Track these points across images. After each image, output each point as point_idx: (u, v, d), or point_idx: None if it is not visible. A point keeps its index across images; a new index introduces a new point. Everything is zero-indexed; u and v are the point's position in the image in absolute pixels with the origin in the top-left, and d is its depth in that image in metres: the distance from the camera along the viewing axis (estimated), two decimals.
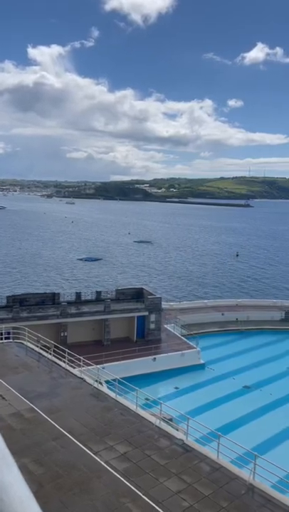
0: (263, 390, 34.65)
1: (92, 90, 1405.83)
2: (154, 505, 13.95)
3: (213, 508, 14.07)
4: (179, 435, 18.64)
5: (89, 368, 25.27)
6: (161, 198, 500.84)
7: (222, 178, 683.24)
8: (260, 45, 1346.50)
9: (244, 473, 16.06)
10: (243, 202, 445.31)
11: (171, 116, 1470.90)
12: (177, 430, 20.00)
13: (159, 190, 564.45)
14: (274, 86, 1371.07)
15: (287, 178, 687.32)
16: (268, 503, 14.60)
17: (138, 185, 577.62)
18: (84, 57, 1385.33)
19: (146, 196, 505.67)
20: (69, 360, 25.65)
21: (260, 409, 31.62)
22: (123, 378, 23.58)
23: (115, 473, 15.55)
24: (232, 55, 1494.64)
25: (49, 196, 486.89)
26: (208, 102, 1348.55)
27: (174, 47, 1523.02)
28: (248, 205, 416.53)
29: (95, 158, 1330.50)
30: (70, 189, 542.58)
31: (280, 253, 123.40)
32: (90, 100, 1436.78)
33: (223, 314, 50.30)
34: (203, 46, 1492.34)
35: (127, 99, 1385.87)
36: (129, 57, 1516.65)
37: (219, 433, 17.38)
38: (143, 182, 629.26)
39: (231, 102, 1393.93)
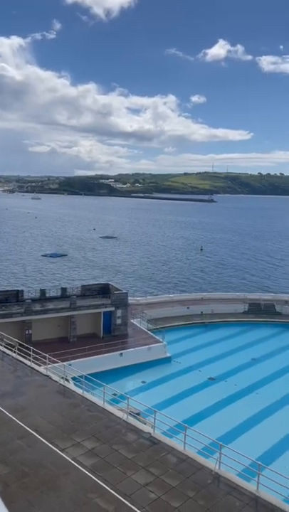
0: (228, 381, 35.42)
1: (54, 83, 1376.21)
2: (121, 498, 14.04)
3: (180, 498, 14.31)
4: (147, 428, 18.79)
5: (55, 365, 25.00)
6: (126, 193, 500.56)
7: (186, 174, 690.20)
8: (221, 42, 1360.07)
9: (210, 463, 16.40)
10: (206, 197, 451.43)
11: (135, 111, 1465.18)
12: (144, 424, 20.16)
13: (124, 186, 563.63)
14: (235, 83, 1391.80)
15: (249, 173, 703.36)
16: (233, 491, 14.99)
17: (103, 180, 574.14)
18: (45, 49, 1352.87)
19: (111, 191, 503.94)
20: (34, 358, 25.28)
21: (225, 399, 32.32)
22: (90, 374, 23.49)
23: (83, 470, 15.51)
24: (194, 51, 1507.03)
25: (11, 191, 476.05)
26: (171, 98, 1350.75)
27: (137, 41, 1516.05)
28: (211, 200, 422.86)
29: (59, 153, 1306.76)
30: (33, 184, 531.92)
31: (243, 247, 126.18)
32: (52, 93, 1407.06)
33: (188, 308, 50.99)
34: (166, 41, 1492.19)
35: (90, 93, 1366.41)
36: (92, 51, 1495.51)
37: (186, 425, 17.65)
38: (108, 177, 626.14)
39: (194, 98, 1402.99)
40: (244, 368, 38.44)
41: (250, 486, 15.33)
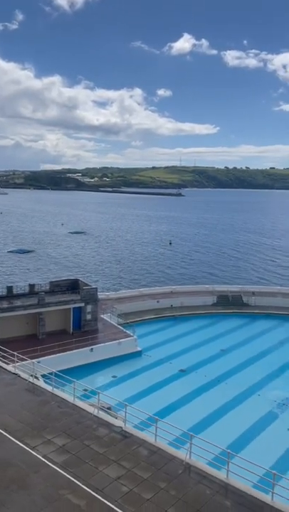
0: (198, 372, 35.93)
1: (17, 75, 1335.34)
2: (93, 493, 14.04)
3: (152, 490, 14.45)
4: (118, 423, 18.84)
5: (24, 363, 24.63)
6: (94, 188, 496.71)
7: (154, 168, 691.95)
8: (186, 36, 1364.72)
9: (181, 454, 16.63)
10: (174, 191, 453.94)
11: (101, 104, 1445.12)
12: (116, 418, 20.20)
13: (92, 180, 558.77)
14: (201, 77, 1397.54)
15: (216, 167, 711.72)
16: (204, 480, 15.27)
17: (70, 175, 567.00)
18: (7, 40, 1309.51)
19: (79, 186, 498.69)
20: (2, 357, 24.84)
21: (195, 390, 32.77)
22: (60, 371, 23.31)
23: (54, 466, 15.41)
24: (159, 45, 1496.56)
25: None
26: (137, 91, 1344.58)
27: (102, 34, 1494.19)
28: (179, 194, 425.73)
29: (24, 147, 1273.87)
30: None
31: (210, 240, 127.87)
32: (15, 86, 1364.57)
33: (158, 301, 51.27)
34: (131, 34, 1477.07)
35: (55, 86, 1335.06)
36: (56, 43, 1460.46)
37: (156, 417, 17.81)
38: (75, 171, 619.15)
39: (160, 92, 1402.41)
40: (214, 359, 39.07)
41: (221, 474, 15.66)
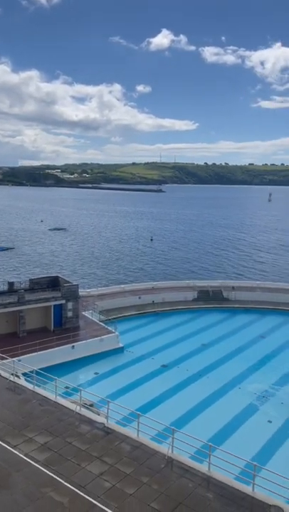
0: (180, 367, 36.18)
1: None
2: (76, 490, 14.03)
3: (134, 484, 14.52)
4: (100, 419, 18.83)
5: (4, 361, 24.36)
6: (74, 184, 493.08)
7: (134, 164, 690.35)
8: (164, 32, 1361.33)
9: (163, 448, 16.75)
10: (155, 187, 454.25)
11: (80, 99, 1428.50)
12: (98, 415, 20.18)
13: (72, 176, 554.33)
14: (180, 73, 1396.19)
15: (195, 163, 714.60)
16: (186, 473, 15.42)
17: (49, 171, 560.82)
18: None
19: (58, 182, 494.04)
20: None
21: (177, 385, 33.00)
22: (42, 369, 23.12)
23: (36, 465, 15.32)
24: (138, 40, 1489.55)
25: None
26: (117, 87, 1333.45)
27: (79, 28, 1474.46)
28: (160, 190, 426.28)
29: (1, 142, 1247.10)
30: None
31: (190, 236, 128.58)
32: None
33: (139, 298, 51.35)
34: (109, 29, 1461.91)
35: (33, 81, 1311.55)
36: (33, 37, 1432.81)
37: (139, 412, 17.87)
38: (54, 167, 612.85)
39: (140, 87, 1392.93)
40: (195, 353, 39.40)
41: (202, 467, 15.85)
